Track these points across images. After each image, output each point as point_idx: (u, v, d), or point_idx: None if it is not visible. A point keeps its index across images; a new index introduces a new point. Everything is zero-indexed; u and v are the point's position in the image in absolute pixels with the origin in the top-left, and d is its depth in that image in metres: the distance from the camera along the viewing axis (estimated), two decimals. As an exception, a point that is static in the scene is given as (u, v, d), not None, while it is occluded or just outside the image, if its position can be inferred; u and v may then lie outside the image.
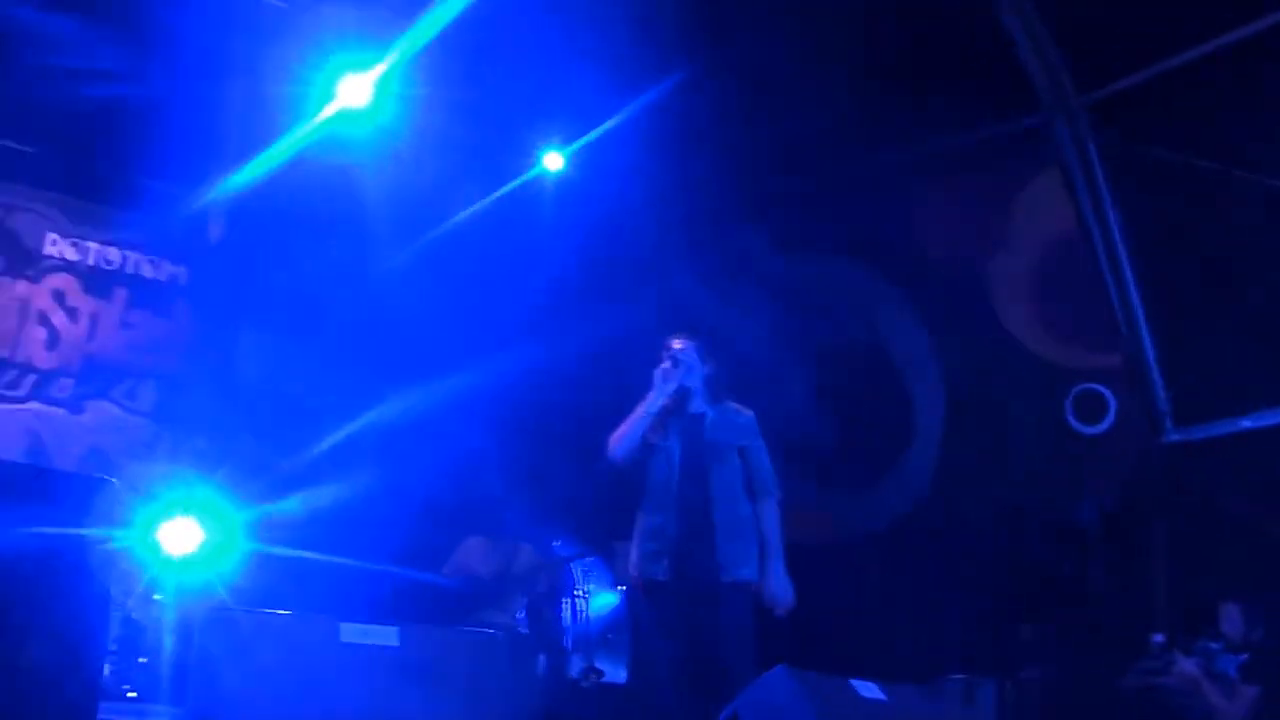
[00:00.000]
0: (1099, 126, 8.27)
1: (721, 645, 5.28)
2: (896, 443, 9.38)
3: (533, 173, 9.12)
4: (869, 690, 4.83)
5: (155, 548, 7.28)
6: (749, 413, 5.71)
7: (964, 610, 8.27)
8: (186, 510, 7.47)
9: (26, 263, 8.28)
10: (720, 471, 5.53)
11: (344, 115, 7.99)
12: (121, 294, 8.63)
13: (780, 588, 5.44)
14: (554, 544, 8.53)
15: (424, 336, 8.65)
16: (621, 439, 5.59)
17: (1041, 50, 8.01)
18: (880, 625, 8.30)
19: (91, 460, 8.27)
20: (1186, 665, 6.86)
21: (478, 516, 8.20)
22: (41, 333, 8.29)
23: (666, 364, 5.61)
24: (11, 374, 8.16)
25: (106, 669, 6.80)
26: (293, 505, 8.05)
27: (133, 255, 8.71)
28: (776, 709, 4.42)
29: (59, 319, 8.36)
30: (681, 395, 5.64)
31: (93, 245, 8.55)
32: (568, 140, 9.02)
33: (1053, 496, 8.64)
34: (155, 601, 7.18)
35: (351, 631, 4.50)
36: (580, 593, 8.43)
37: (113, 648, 6.91)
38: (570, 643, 8.17)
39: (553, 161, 9.10)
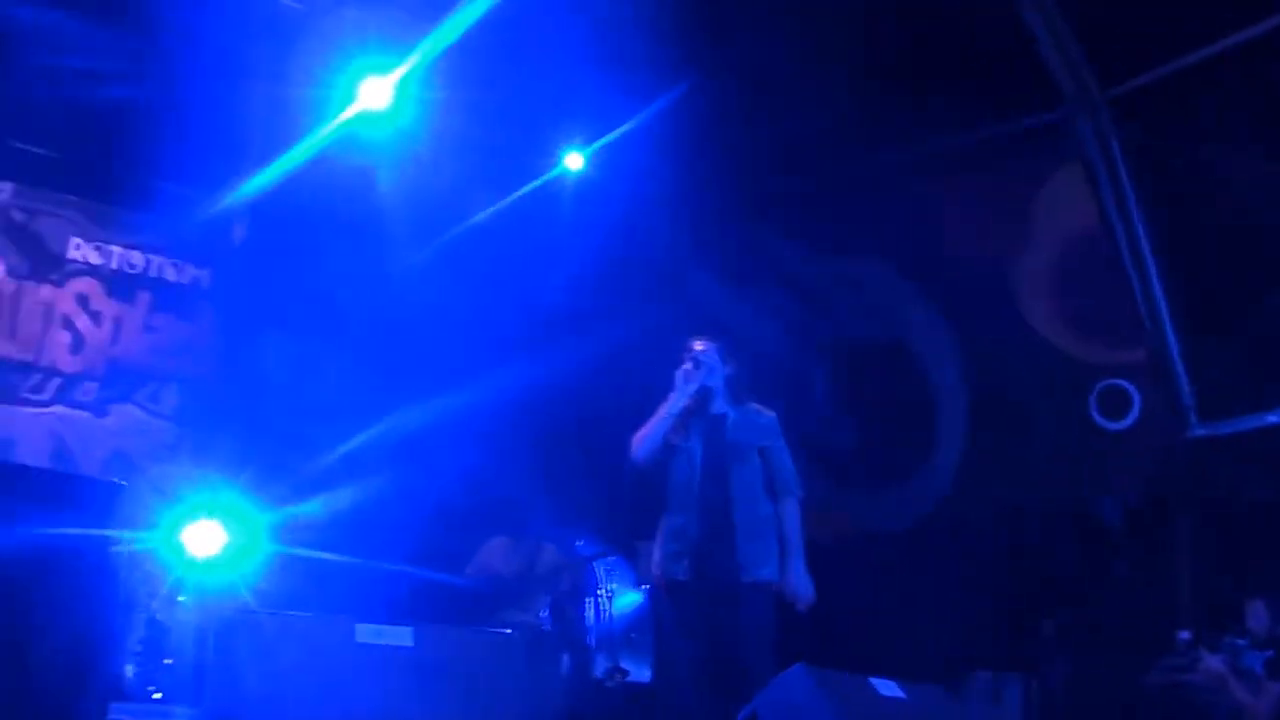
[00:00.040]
0: (1121, 121, 8.24)
1: (741, 645, 5.30)
2: (919, 441, 9.34)
3: (552, 174, 9.12)
4: (889, 689, 4.82)
5: (179, 550, 7.31)
6: (771, 413, 5.72)
7: (987, 608, 8.25)
8: (210, 513, 7.49)
9: (50, 267, 8.30)
10: (741, 472, 5.55)
11: (365, 117, 8.01)
12: (145, 297, 8.66)
13: (801, 583, 5.46)
14: (577, 544, 8.53)
15: (445, 337, 8.66)
16: (644, 440, 5.62)
17: (1063, 45, 7.97)
18: (902, 624, 8.28)
19: (115, 463, 8.30)
20: (1212, 662, 6.81)
21: (500, 517, 8.19)
22: (65, 336, 8.32)
23: (688, 365, 5.63)
24: (36, 378, 8.19)
25: (131, 670, 6.85)
26: (316, 507, 8.07)
27: (156, 259, 8.73)
28: (795, 707, 4.42)
29: (83, 323, 8.39)
30: (703, 396, 5.66)
31: (116, 249, 8.57)
32: (587, 141, 9.03)
33: (1077, 493, 8.62)
34: (180, 603, 7.22)
35: (367, 632, 4.51)
36: (604, 592, 8.44)
37: (138, 649, 6.95)
38: (594, 641, 8.18)
39: (573, 162, 9.11)
